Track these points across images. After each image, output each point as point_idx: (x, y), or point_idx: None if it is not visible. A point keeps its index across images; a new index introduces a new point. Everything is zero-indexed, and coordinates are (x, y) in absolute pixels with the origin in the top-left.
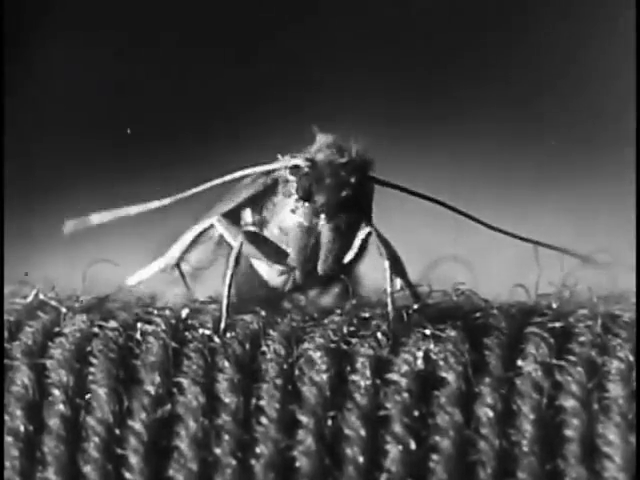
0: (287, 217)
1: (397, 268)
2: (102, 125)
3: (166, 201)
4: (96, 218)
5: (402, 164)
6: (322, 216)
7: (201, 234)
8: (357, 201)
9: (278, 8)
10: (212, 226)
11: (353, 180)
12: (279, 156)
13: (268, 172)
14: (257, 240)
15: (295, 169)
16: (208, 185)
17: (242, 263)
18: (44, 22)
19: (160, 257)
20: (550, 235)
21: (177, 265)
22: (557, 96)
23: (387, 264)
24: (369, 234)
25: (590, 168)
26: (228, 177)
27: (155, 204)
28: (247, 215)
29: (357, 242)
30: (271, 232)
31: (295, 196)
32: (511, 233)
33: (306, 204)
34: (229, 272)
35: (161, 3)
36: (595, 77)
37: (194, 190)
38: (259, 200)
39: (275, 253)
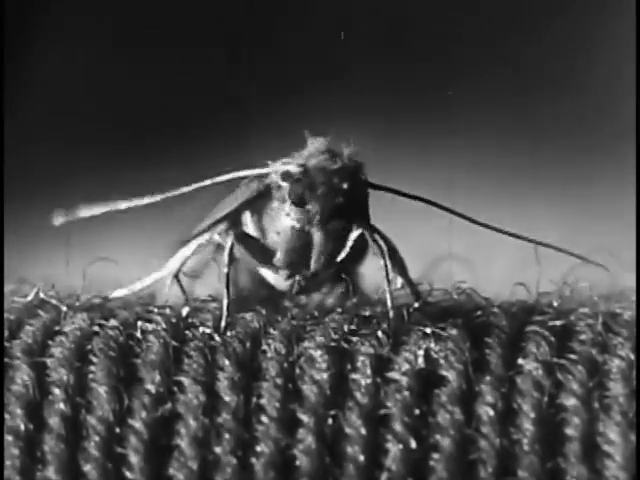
0: (283, 221)
1: (397, 267)
2: (102, 126)
3: (157, 197)
4: (86, 211)
5: (401, 164)
6: (315, 221)
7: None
8: (350, 206)
9: (274, 7)
10: (212, 238)
11: (346, 186)
12: (269, 162)
13: (260, 177)
14: (246, 240)
15: (287, 175)
16: (199, 185)
17: (244, 269)
18: (44, 22)
19: (159, 269)
20: (550, 235)
21: (176, 277)
22: (557, 95)
23: (384, 263)
24: (361, 235)
25: (590, 168)
26: (220, 179)
27: (146, 200)
28: (247, 218)
29: (349, 243)
30: (271, 238)
31: (289, 201)
32: (510, 232)
33: (299, 209)
34: (225, 270)
35: (161, 3)
36: (596, 76)
37: (185, 189)
38: (256, 205)
39: (263, 253)
